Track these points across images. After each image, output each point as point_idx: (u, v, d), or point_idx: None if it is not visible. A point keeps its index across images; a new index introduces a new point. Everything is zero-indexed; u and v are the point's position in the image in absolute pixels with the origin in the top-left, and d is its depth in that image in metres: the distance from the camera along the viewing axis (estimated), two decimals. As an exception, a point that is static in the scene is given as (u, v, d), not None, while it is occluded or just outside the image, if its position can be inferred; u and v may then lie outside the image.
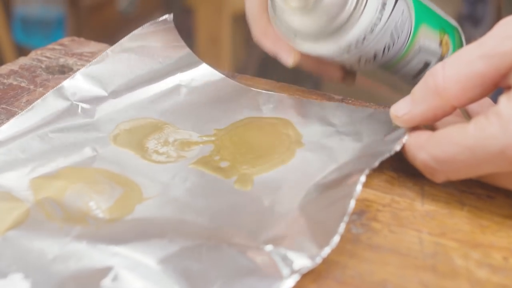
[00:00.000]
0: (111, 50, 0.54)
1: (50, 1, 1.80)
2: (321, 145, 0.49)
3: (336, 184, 0.44)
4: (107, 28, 1.92)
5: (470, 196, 0.45)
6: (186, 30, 2.21)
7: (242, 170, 0.47)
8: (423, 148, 0.43)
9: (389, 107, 0.46)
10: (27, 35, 1.81)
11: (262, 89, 0.56)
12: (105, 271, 0.38)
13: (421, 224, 0.42)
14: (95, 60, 0.53)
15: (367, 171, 0.43)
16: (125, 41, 0.55)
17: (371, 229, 0.42)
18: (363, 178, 0.42)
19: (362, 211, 0.43)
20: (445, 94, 0.42)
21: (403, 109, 0.44)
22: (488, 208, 0.44)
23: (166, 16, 0.57)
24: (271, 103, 0.54)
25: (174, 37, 0.57)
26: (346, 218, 0.40)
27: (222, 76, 0.56)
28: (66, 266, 0.38)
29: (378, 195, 0.45)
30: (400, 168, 0.47)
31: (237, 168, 0.47)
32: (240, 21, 2.16)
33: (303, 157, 0.48)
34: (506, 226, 0.43)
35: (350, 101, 0.55)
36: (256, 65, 2.09)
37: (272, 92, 0.55)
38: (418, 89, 0.44)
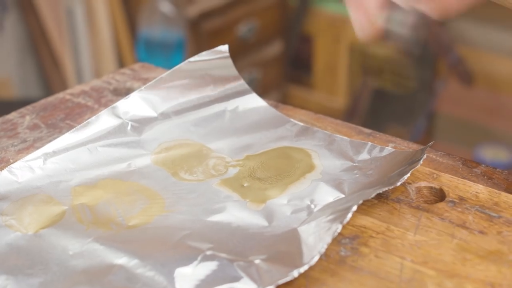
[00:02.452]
0: (166, 75, 0.60)
1: (172, 25, 1.90)
2: (335, 177, 0.53)
3: (334, 212, 0.48)
4: (226, 53, 2.00)
5: (463, 230, 0.48)
6: (304, 58, 2.28)
7: (259, 192, 0.52)
8: None
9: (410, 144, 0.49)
10: (150, 56, 1.92)
11: (299, 120, 0.61)
12: (113, 268, 0.44)
13: (407, 252, 0.46)
14: (150, 83, 0.60)
15: (360, 201, 0.47)
16: (180, 67, 0.61)
17: (359, 252, 0.46)
18: (354, 208, 0.47)
19: (356, 236, 0.48)
20: None
21: None
22: (477, 242, 0.47)
23: (221, 47, 0.63)
24: (304, 136, 0.58)
25: (228, 66, 0.62)
26: (329, 240, 0.44)
27: (266, 105, 0.61)
28: (81, 261, 0.45)
29: (375, 223, 0.49)
30: (404, 200, 0.51)
31: (254, 190, 0.52)
32: (357, 51, 2.20)
33: (316, 186, 0.52)
34: (488, 260, 0.45)
35: (377, 135, 0.59)
36: (370, 93, 2.12)
37: (308, 126, 0.59)
38: None
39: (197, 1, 1.96)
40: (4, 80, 2.04)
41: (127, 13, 2.00)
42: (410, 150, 0.56)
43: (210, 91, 0.61)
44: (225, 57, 0.62)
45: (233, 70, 0.62)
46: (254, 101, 0.62)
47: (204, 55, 0.62)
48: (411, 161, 0.52)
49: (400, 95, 2.16)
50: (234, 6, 2.06)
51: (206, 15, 1.96)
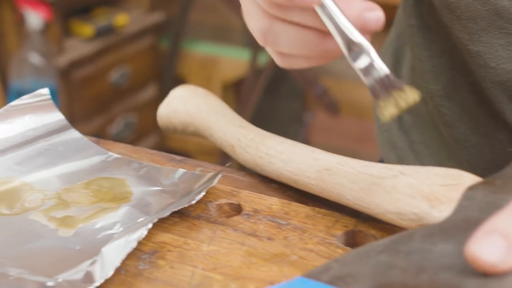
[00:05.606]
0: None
1: (42, 75, 1.93)
2: (143, 201, 0.58)
3: (134, 231, 0.53)
4: (100, 100, 2.04)
5: (253, 238, 0.54)
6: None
7: (72, 219, 0.56)
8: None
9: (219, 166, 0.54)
10: (22, 107, 1.94)
11: (117, 152, 0.66)
12: None
13: (200, 261, 0.51)
14: (-27, 127, 0.64)
15: (155, 219, 0.53)
16: (2, 111, 0.65)
17: (156, 265, 0.51)
18: (150, 225, 0.52)
19: (155, 251, 0.52)
20: None
21: (497, 254, 0.37)
22: (264, 248, 0.53)
23: (41, 90, 0.67)
24: (119, 166, 0.63)
25: (49, 107, 0.67)
26: (123, 256, 0.49)
27: (86, 140, 0.66)
28: None
29: (174, 238, 0.54)
30: (204, 216, 0.56)
31: (68, 218, 0.57)
32: (229, 89, 2.27)
33: (125, 211, 0.57)
34: (272, 262, 0.51)
35: (188, 161, 0.65)
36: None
37: (124, 157, 0.64)
38: None
39: (66, 51, 2.00)
40: None
41: (-3, 66, 2.02)
42: (213, 172, 0.61)
43: (32, 131, 0.65)
44: (46, 99, 0.67)
45: (54, 109, 0.67)
46: (73, 137, 0.66)
47: (25, 99, 0.66)
48: (209, 182, 0.58)
49: (273, 128, 2.24)
50: (105, 54, 2.10)
51: (76, 63, 2.00)
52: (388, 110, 0.47)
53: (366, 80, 0.47)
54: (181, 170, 0.62)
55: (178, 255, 0.52)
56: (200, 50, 2.29)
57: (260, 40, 0.51)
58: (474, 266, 0.38)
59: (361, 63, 0.47)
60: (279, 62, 0.53)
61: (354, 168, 0.54)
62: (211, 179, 0.58)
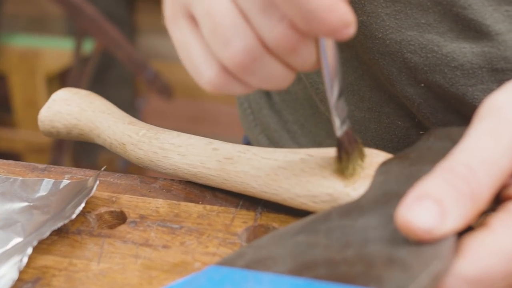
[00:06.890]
0: None
1: None
2: (11, 220, 0.51)
3: (9, 258, 0.46)
4: None
5: (146, 248, 0.48)
6: (1, 97, 2.20)
7: None
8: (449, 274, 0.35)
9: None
10: None
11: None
12: None
13: (93, 283, 0.45)
14: None
15: (35, 243, 0.46)
16: None
17: (42, 295, 0.44)
18: (29, 250, 0.45)
19: (38, 278, 0.45)
20: (480, 201, 0.36)
21: (431, 220, 0.35)
22: (161, 258, 0.47)
23: None
24: None
25: None
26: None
27: None
28: None
29: (57, 260, 0.47)
30: (85, 230, 0.50)
31: None
32: (55, 81, 2.16)
33: None
34: (173, 273, 0.46)
35: (52, 169, 0.58)
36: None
37: None
38: (447, 195, 0.35)
39: None
40: None
41: None
42: (86, 179, 0.55)
43: None
44: None
45: None
46: None
47: None
48: (86, 190, 0.51)
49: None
50: None
51: None
52: (351, 164, 0.46)
53: (339, 132, 0.45)
54: (48, 180, 0.54)
55: (66, 279, 0.45)
56: (19, 43, 2.15)
57: (235, 63, 0.40)
58: (407, 233, 0.35)
59: (341, 113, 0.45)
60: (220, 84, 0.42)
61: (257, 154, 0.50)
62: (88, 187, 0.52)
